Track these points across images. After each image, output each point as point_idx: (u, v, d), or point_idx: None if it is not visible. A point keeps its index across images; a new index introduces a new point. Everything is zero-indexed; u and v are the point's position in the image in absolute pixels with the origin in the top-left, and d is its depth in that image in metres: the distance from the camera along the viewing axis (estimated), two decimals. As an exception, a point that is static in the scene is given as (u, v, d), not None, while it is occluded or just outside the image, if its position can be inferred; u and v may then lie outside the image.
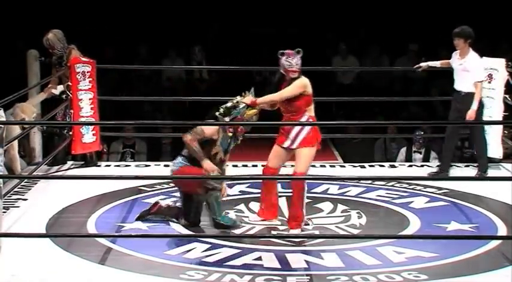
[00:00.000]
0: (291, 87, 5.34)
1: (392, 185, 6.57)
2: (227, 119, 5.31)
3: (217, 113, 5.34)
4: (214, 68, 10.71)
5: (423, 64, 6.90)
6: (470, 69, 6.56)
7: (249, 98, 5.37)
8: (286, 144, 5.42)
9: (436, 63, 7.05)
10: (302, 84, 5.34)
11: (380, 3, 11.39)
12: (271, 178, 5.54)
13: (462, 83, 6.64)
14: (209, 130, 5.33)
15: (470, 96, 6.55)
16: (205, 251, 4.98)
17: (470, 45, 6.64)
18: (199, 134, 5.30)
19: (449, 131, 6.86)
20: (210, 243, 5.09)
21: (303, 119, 5.37)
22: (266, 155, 5.60)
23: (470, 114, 6.50)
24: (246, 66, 9.68)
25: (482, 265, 4.74)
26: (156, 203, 5.64)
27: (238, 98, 5.39)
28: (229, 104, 5.36)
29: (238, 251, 4.99)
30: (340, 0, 11.45)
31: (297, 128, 5.35)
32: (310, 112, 5.39)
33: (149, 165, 7.53)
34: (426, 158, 8.43)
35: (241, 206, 6.01)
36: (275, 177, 5.62)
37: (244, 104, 5.35)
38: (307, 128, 5.33)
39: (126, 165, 7.62)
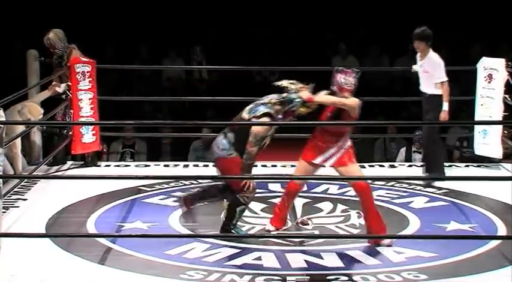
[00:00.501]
0: (350, 100, 5.13)
1: (392, 185, 6.56)
2: (278, 107, 5.10)
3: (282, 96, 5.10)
4: (214, 68, 10.71)
5: (415, 66, 6.83)
6: (430, 71, 6.50)
7: (306, 93, 5.17)
8: (318, 160, 5.24)
9: None
10: (357, 104, 5.16)
11: (380, 3, 11.39)
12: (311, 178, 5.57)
13: (425, 85, 6.60)
14: (262, 129, 5.06)
15: (434, 97, 6.50)
16: (205, 250, 4.98)
17: (431, 47, 6.56)
18: (259, 139, 5.07)
19: (425, 135, 6.77)
20: (210, 243, 5.09)
21: (346, 144, 5.21)
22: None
23: (444, 116, 6.42)
24: (246, 66, 9.67)
25: (482, 265, 4.74)
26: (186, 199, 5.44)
27: (294, 86, 5.16)
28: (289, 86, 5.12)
29: (238, 250, 4.99)
30: (340, 0, 11.45)
31: (334, 149, 5.18)
32: (348, 136, 5.25)
33: (149, 165, 7.53)
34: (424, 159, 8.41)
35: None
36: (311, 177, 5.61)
37: (300, 99, 5.12)
38: (343, 150, 5.19)
39: (126, 165, 7.62)
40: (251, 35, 11.48)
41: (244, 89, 9.69)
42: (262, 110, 5.14)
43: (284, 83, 5.18)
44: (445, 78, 6.50)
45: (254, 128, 5.07)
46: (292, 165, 7.30)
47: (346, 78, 5.19)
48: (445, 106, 6.42)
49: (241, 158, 5.09)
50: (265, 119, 5.12)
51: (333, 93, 5.22)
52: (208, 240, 5.13)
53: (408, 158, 8.50)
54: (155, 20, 11.48)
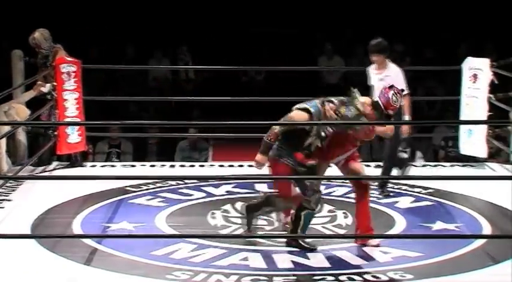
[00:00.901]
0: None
1: (377, 185, 6.57)
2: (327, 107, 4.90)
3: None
4: (199, 68, 10.69)
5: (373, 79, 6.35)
6: (392, 83, 5.79)
7: (368, 109, 4.82)
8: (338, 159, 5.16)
9: None
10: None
11: (366, 3, 11.41)
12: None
13: None
14: (297, 117, 4.91)
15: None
16: (191, 251, 4.97)
17: (388, 58, 6.25)
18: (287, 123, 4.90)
19: (387, 148, 6.36)
20: (196, 243, 5.07)
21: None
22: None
23: (405, 129, 6.20)
24: (232, 66, 9.65)
25: (467, 264, 4.76)
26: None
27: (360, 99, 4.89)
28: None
29: (225, 251, 4.98)
30: (327, 0, 11.46)
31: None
32: None
33: (135, 166, 7.50)
34: (412, 158, 8.44)
35: (228, 206, 6.00)
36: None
37: (358, 111, 4.86)
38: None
39: (112, 166, 7.59)
40: (238, 35, 11.47)
41: (231, 89, 9.71)
42: (305, 105, 4.99)
43: (356, 91, 4.94)
44: (407, 90, 6.17)
45: (291, 115, 4.99)
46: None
47: (396, 96, 4.97)
48: (406, 117, 6.13)
49: (291, 165, 4.96)
50: (300, 113, 4.95)
51: (377, 104, 4.96)
52: (195, 240, 5.11)
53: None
54: (141, 20, 11.45)
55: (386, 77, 6.12)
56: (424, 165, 7.56)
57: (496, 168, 7.18)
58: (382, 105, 4.94)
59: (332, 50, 10.83)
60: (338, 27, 11.30)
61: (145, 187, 6.49)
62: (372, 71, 6.28)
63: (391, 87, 5.04)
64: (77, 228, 5.43)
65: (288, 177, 5.13)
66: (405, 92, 6.04)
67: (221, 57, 10.80)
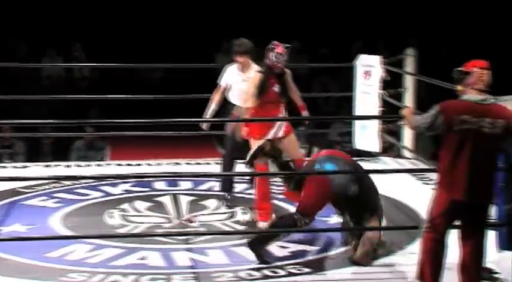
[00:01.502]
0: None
1: (275, 181, 6.60)
2: None
3: None
4: (93, 66, 10.46)
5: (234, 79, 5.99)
6: None
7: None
8: (271, 134, 5.40)
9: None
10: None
11: (264, 3, 11.49)
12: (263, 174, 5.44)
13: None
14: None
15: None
16: (88, 252, 4.86)
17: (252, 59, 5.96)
18: None
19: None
20: (93, 243, 4.96)
21: (283, 111, 5.52)
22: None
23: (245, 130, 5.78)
24: (128, 64, 9.48)
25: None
26: None
27: None
28: None
29: (123, 250, 4.90)
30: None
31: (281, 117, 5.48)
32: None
33: (28, 166, 7.26)
34: (309, 153, 8.57)
35: (126, 205, 5.91)
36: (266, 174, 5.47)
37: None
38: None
39: (3, 167, 7.32)
40: (133, 33, 11.31)
41: (127, 87, 9.55)
42: None
43: None
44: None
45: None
46: (177, 163, 7.29)
47: (277, 55, 5.34)
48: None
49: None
50: None
51: (267, 70, 5.40)
52: (92, 241, 5.00)
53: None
54: (33, 18, 11.10)
55: (250, 79, 5.75)
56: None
57: (389, 162, 7.38)
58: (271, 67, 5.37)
59: (228, 48, 10.84)
60: (234, 25, 11.31)
61: (39, 188, 6.30)
62: (234, 71, 5.97)
63: (271, 49, 5.37)
64: (-34, 232, 5.21)
65: (217, 173, 5.11)
66: None
67: (117, 55, 10.60)
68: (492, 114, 4.03)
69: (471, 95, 4.09)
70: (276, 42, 5.43)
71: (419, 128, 4.21)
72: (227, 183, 6.02)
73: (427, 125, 4.12)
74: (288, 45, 5.45)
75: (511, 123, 4.06)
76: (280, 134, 5.49)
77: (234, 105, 5.97)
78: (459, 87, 4.17)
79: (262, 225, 5.35)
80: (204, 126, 6.08)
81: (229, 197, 5.98)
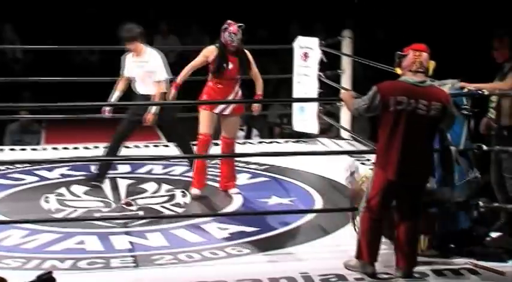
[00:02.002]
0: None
1: (215, 163, 6.62)
2: None
3: None
4: (26, 48, 10.21)
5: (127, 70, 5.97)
6: (154, 69, 5.82)
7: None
8: (219, 109, 5.56)
9: None
10: None
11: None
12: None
13: (146, 86, 5.86)
14: None
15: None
16: (23, 237, 4.79)
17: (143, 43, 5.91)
18: None
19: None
20: (29, 229, 4.88)
21: (237, 87, 5.64)
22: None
23: (149, 117, 5.78)
24: (62, 46, 9.28)
25: (302, 236, 4.92)
26: None
27: None
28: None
29: (60, 235, 4.84)
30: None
31: (232, 94, 5.59)
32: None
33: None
34: (248, 135, 8.59)
35: (62, 190, 5.82)
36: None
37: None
38: (239, 94, 5.64)
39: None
40: (69, 14, 11.08)
41: (63, 69, 9.37)
42: None
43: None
44: (165, 77, 5.83)
45: None
46: (127, 147, 7.19)
47: (231, 34, 5.49)
48: (154, 109, 5.75)
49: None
50: None
51: (222, 48, 5.56)
52: (27, 226, 4.91)
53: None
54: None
55: (145, 63, 5.82)
56: (260, 142, 7.72)
57: (327, 143, 7.46)
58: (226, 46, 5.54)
59: (167, 29, 10.76)
60: (170, 7, 11.21)
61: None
62: (130, 59, 5.91)
63: (224, 29, 5.53)
64: None
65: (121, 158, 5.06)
66: (162, 78, 5.79)
67: (52, 36, 10.37)
68: (428, 96, 4.11)
69: (407, 77, 4.17)
70: (229, 22, 5.56)
71: (357, 111, 4.27)
72: (104, 168, 5.92)
73: (366, 106, 4.18)
74: (241, 25, 5.56)
75: (448, 106, 4.16)
76: (228, 111, 5.60)
77: (138, 94, 5.93)
78: (398, 70, 4.25)
79: (193, 192, 5.58)
80: (107, 111, 6.00)
81: (98, 183, 5.89)
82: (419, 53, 4.20)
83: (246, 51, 5.69)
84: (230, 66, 5.57)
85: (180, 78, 5.56)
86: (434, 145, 4.43)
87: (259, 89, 5.74)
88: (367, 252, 4.24)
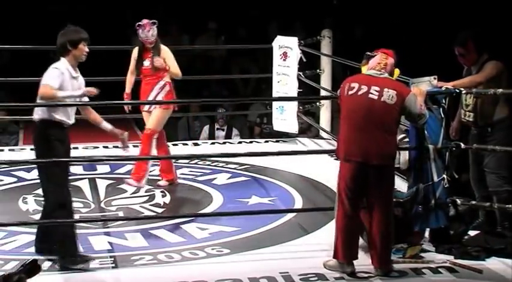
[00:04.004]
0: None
1: (195, 163, 6.64)
2: None
3: None
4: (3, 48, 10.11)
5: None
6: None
7: None
8: (146, 107, 5.80)
9: None
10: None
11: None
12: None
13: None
14: None
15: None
16: (1, 239, 4.77)
17: None
18: None
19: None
20: (6, 231, 4.86)
21: (161, 83, 5.78)
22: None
23: None
24: (38, 46, 9.20)
25: (282, 236, 4.93)
26: None
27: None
28: None
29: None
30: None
31: (154, 92, 5.79)
32: (167, 78, 5.83)
33: None
34: (228, 135, 8.61)
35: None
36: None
37: None
38: (164, 92, 5.80)
39: None
40: (47, 13, 10.99)
41: (39, 67, 9.29)
42: None
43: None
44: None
45: None
46: (95, 147, 7.17)
47: (143, 32, 5.75)
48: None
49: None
50: None
51: (140, 46, 5.83)
52: (5, 228, 4.89)
53: (211, 136, 8.63)
54: None
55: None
56: (240, 142, 7.74)
57: (307, 143, 7.49)
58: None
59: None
60: (148, 6, 11.16)
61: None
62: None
63: (139, 26, 5.74)
64: None
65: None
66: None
67: (28, 35, 10.29)
68: (382, 84, 4.24)
69: (368, 71, 4.35)
70: (144, 20, 5.77)
71: None
72: None
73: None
74: (154, 21, 5.77)
75: (404, 97, 4.22)
76: (152, 108, 5.80)
77: None
78: (363, 68, 4.41)
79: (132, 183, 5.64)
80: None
81: None
82: (386, 56, 4.36)
83: (164, 47, 5.85)
84: (147, 63, 5.80)
85: (127, 88, 5.93)
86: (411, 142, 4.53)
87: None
88: (343, 251, 4.27)
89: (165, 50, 5.85)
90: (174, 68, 5.84)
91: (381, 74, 4.30)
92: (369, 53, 4.39)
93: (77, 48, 4.45)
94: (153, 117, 5.79)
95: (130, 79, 5.95)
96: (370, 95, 4.20)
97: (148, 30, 5.75)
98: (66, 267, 4.32)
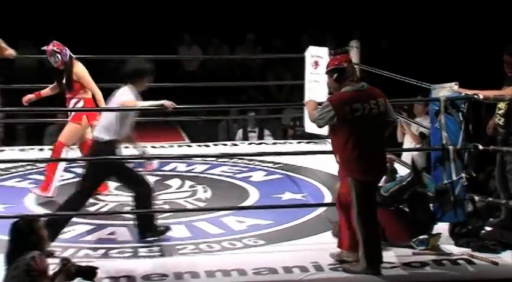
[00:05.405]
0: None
1: (234, 162, 6.63)
2: None
3: None
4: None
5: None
6: None
7: None
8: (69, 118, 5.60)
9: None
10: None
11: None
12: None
13: None
14: None
15: None
16: (60, 229, 4.80)
17: None
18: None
19: None
20: (65, 221, 4.90)
21: (74, 101, 5.53)
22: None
23: None
24: (101, 55, 9.30)
25: (312, 228, 4.90)
26: None
27: None
28: None
29: (93, 227, 4.87)
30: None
31: (71, 104, 5.54)
32: (83, 94, 5.54)
33: (4, 150, 7.11)
34: (260, 136, 8.60)
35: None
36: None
37: None
38: (78, 106, 5.52)
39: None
40: (103, 25, 11.11)
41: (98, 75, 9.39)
42: None
43: None
44: None
45: None
46: (144, 146, 7.20)
47: (50, 58, 5.52)
48: None
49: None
50: None
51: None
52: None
53: (245, 137, 8.63)
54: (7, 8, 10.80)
55: None
56: (274, 143, 7.71)
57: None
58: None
59: (190, 40, 10.78)
60: (194, 19, 11.22)
61: (14, 170, 6.19)
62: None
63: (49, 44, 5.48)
64: None
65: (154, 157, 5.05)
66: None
67: (87, 46, 10.40)
68: (373, 96, 4.06)
69: (349, 87, 4.06)
70: (46, 46, 5.52)
71: (317, 122, 4.15)
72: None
73: (320, 118, 4.06)
74: (55, 50, 5.47)
75: (385, 98, 4.10)
76: (69, 119, 5.60)
77: None
78: (335, 84, 4.12)
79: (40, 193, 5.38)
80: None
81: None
82: (353, 64, 4.18)
83: (77, 67, 5.53)
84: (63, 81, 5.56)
85: (43, 91, 5.80)
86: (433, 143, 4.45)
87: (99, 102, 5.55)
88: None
89: (77, 71, 5.51)
90: (87, 83, 5.52)
91: (362, 86, 4.10)
92: (334, 67, 4.10)
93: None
94: (65, 130, 5.58)
95: (51, 88, 5.79)
96: (373, 111, 4.02)
97: (50, 56, 5.49)
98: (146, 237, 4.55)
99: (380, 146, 4.12)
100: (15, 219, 3.64)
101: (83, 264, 3.62)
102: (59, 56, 5.46)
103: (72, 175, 5.95)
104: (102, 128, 4.61)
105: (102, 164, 4.60)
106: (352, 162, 4.03)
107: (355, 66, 7.26)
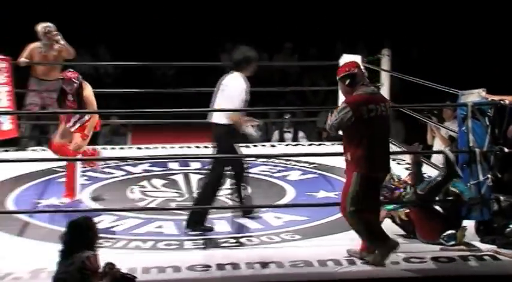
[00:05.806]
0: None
1: (272, 161, 6.65)
2: None
3: None
4: (119, 64, 10.41)
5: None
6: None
7: None
8: (68, 125, 5.42)
9: None
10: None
11: (261, 7, 11.42)
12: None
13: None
14: None
15: None
16: (113, 222, 4.90)
17: None
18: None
19: None
20: (117, 215, 4.99)
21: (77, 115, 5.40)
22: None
23: None
24: (148, 62, 9.42)
25: (345, 225, 4.85)
26: None
27: None
28: None
29: (142, 221, 4.93)
30: (222, 5, 11.40)
31: (73, 120, 5.38)
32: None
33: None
34: (295, 137, 8.60)
35: (144, 182, 5.94)
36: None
37: None
38: (80, 122, 5.37)
39: (43, 150, 7.31)
40: (149, 34, 11.24)
41: (145, 82, 9.53)
42: None
43: None
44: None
45: None
46: (188, 147, 7.30)
47: (71, 84, 5.32)
48: None
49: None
50: None
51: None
52: (116, 213, 5.02)
53: (281, 138, 8.63)
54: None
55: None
56: (310, 144, 7.71)
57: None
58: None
59: (232, 48, 10.82)
60: (234, 28, 11.27)
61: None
62: None
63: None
64: (10, 204, 5.23)
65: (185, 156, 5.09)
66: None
67: (137, 54, 10.55)
68: (382, 100, 4.13)
69: (362, 90, 4.08)
70: (65, 73, 5.41)
71: (333, 127, 4.15)
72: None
73: (337, 121, 4.07)
74: (62, 77, 5.38)
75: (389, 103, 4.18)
76: (73, 129, 5.40)
77: None
78: (347, 90, 4.13)
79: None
80: None
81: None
82: (362, 68, 4.19)
83: (86, 90, 5.38)
84: (71, 98, 5.38)
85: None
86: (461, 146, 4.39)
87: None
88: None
89: (86, 94, 5.36)
90: (91, 104, 5.35)
91: (373, 89, 4.16)
92: (346, 74, 4.11)
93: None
94: (74, 142, 5.35)
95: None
96: (383, 113, 4.05)
97: (66, 84, 5.33)
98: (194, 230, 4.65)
99: (388, 145, 4.20)
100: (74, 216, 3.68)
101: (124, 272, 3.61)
102: (75, 84, 5.39)
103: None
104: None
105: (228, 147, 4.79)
106: (365, 159, 4.04)
107: (387, 73, 7.33)
